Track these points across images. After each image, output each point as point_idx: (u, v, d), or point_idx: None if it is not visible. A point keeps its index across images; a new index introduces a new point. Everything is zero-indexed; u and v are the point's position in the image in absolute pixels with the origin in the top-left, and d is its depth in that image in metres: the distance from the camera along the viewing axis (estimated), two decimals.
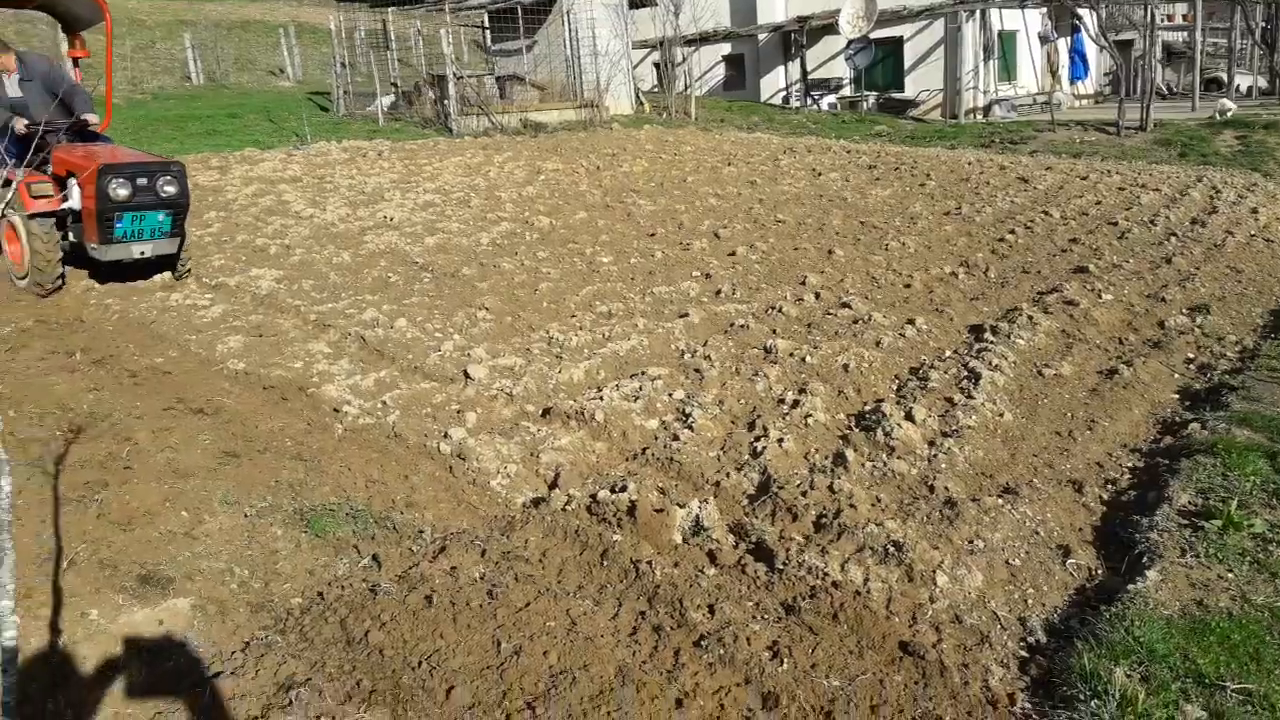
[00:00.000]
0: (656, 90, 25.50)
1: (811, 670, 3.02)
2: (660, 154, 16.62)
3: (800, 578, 3.49)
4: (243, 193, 11.70)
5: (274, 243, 9.12)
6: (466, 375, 5.78)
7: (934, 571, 3.55)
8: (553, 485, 4.52)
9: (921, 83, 23.45)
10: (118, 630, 3.11)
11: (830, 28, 23.96)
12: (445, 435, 4.90)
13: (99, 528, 3.65)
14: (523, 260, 8.94)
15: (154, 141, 14.99)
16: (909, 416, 5.08)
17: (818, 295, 7.65)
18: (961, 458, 4.64)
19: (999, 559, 3.69)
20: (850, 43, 23.84)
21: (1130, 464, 4.66)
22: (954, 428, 4.98)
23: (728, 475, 4.47)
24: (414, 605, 3.18)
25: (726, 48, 27.10)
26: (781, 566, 3.58)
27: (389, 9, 20.40)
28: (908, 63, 23.85)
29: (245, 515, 3.89)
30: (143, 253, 7.08)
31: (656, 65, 25.88)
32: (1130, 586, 3.41)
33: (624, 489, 4.22)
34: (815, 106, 24.36)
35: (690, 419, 5.10)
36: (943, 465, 4.57)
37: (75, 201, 6.85)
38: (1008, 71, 23.37)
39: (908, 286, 8.04)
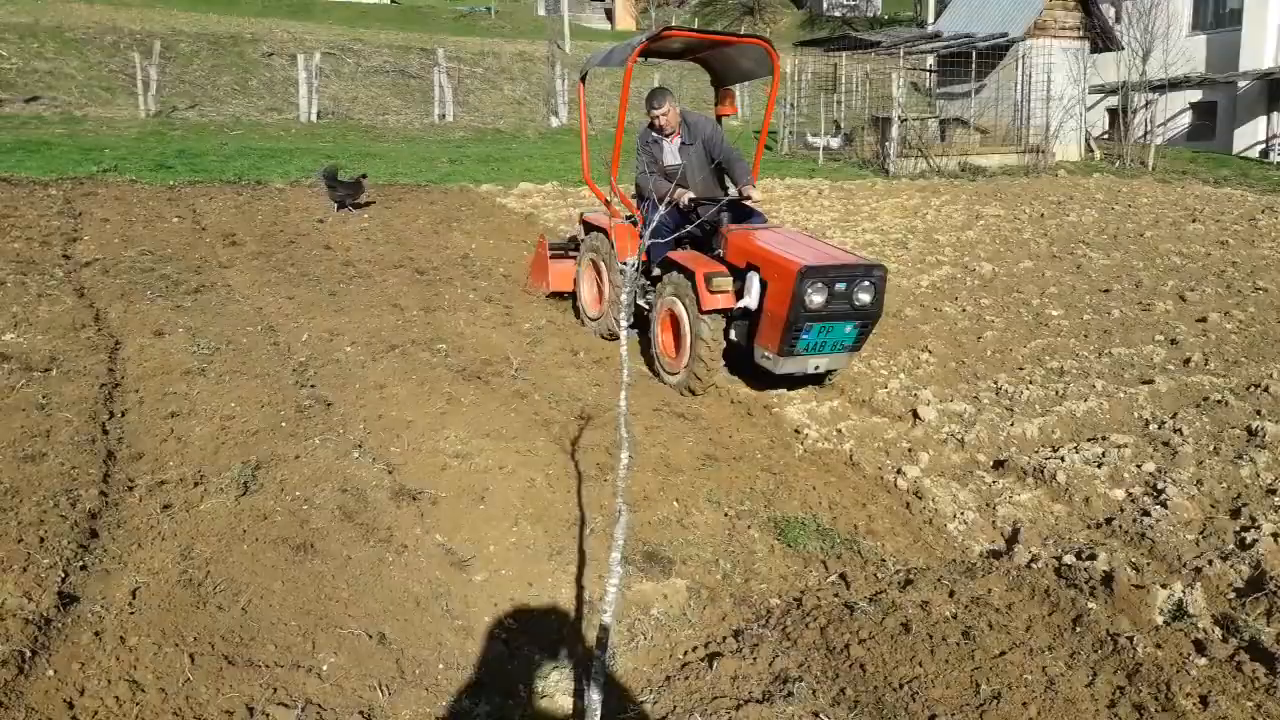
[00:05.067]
0: (1108, 137, 23.81)
1: None
2: (1112, 204, 15.52)
3: None
4: None
5: None
6: (916, 415, 5.87)
7: None
8: (1010, 540, 4.48)
9: None
10: (632, 597, 3.60)
11: None
12: (899, 471, 5.04)
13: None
14: (964, 306, 8.83)
15: (622, 172, 16.70)
16: None
17: None
18: None
19: None
20: None
21: None
22: None
23: (1210, 563, 4.15)
24: (891, 629, 3.35)
25: (1196, 94, 24.62)
26: None
27: (842, 54, 21.01)
28: None
29: (726, 514, 4.31)
30: (817, 367, 6.00)
31: (1111, 110, 24.14)
32: None
33: (1093, 557, 4.10)
34: None
35: (1163, 495, 4.79)
36: None
37: (753, 301, 5.81)
38: None
39: None
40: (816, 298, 5.52)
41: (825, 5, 56.24)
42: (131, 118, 19.49)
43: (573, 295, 7.87)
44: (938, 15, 30.53)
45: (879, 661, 3.19)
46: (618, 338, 6.67)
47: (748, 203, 6.51)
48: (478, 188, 14.29)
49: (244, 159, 15.06)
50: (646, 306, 6.75)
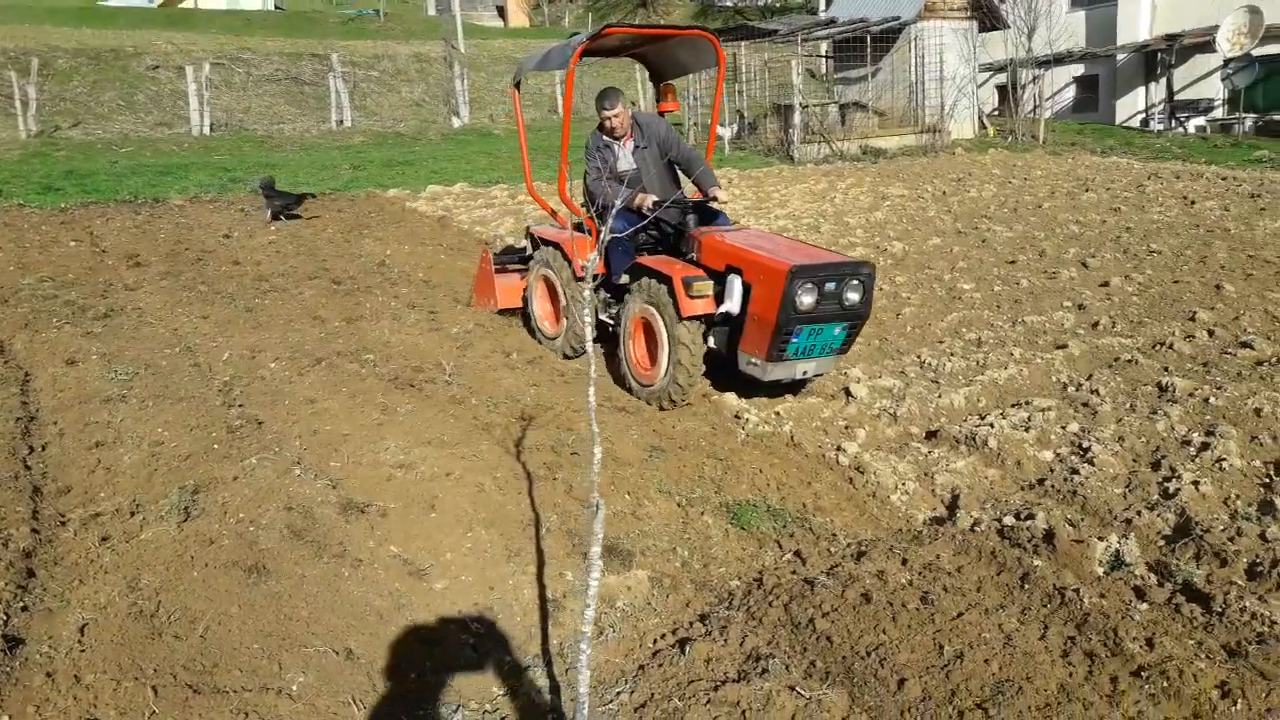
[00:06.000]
0: (999, 113, 24.62)
1: (1268, 714, 2.94)
2: (1009, 179, 16.08)
3: (1245, 623, 3.38)
4: None
5: None
6: (848, 393, 6.01)
7: None
8: (951, 506, 4.64)
9: None
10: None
11: (1204, 46, 21.97)
12: (839, 448, 5.16)
13: (566, 502, 4.24)
14: (880, 285, 9.04)
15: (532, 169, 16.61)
16: None
17: (1211, 333, 7.14)
18: None
19: None
20: (1228, 61, 21.72)
21: None
22: None
23: (1139, 514, 4.36)
24: (852, 600, 3.43)
25: (1079, 68, 25.60)
26: (1220, 610, 3.48)
27: (741, 43, 21.25)
28: None
29: (678, 503, 4.36)
30: (805, 373, 5.70)
31: (1000, 88, 24.97)
32: None
33: (1032, 516, 4.27)
34: (1181, 129, 22.42)
35: (1089, 453, 5.01)
36: None
37: (735, 305, 5.50)
38: None
39: None
40: (806, 299, 5.22)
41: None
42: (11, 139, 18.63)
43: (522, 312, 7.45)
44: (828, 1, 31.11)
45: (844, 632, 3.27)
46: (581, 354, 6.45)
47: (714, 204, 6.27)
48: (384, 193, 14.08)
49: (138, 177, 14.53)
50: (610, 321, 6.40)
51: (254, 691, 2.91)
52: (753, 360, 5.52)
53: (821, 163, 18.34)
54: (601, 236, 2.89)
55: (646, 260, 5.94)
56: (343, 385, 5.74)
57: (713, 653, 3.16)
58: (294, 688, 2.95)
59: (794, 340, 5.36)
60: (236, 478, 4.38)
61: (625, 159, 6.28)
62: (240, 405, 5.41)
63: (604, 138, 6.31)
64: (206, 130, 20.93)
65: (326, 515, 4.05)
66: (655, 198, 6.02)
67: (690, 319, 5.53)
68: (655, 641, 3.38)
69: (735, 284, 5.49)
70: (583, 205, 6.57)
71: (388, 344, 6.74)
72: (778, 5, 52.02)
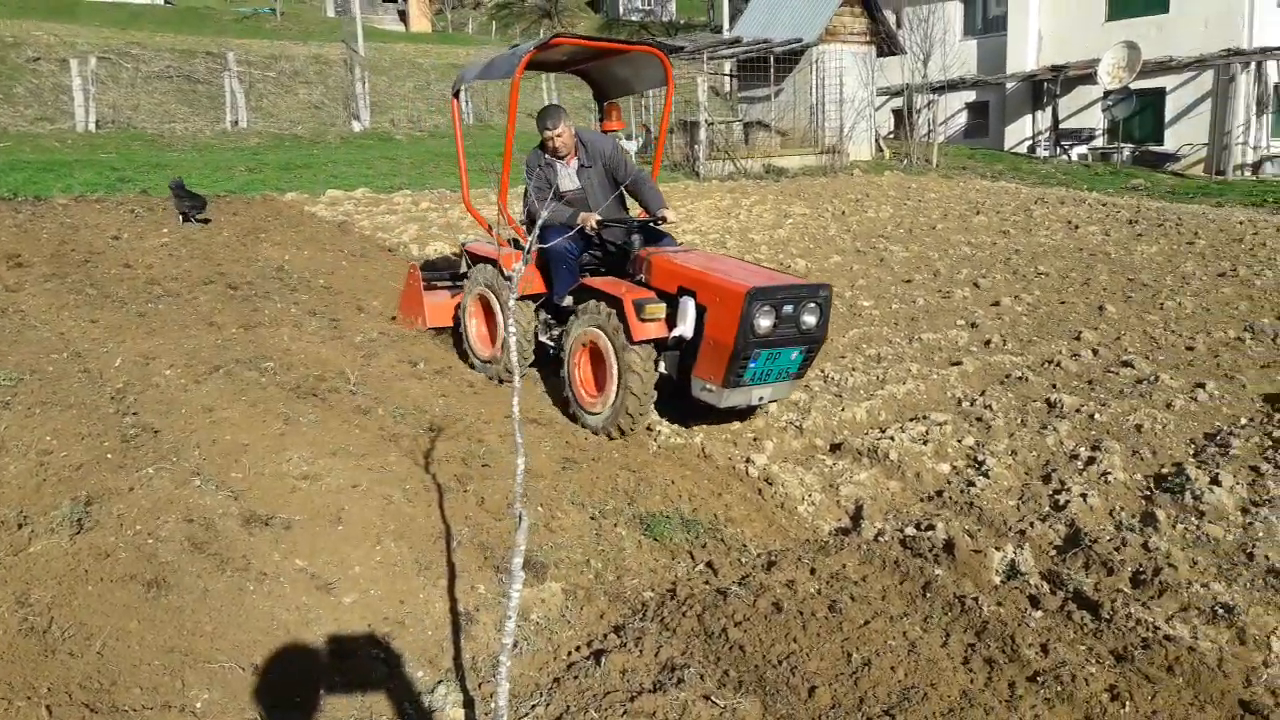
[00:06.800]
0: (894, 137, 25.43)
1: (1153, 716, 3.10)
2: (904, 200, 16.61)
3: (1130, 629, 3.56)
4: None
5: None
6: None
7: (1268, 637, 3.54)
8: (855, 517, 4.76)
9: (1184, 136, 22.24)
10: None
11: (1086, 77, 23.16)
12: (748, 460, 5.25)
13: (478, 514, 4.20)
14: None
15: (434, 176, 16.45)
16: (1215, 481, 4.98)
17: (1095, 352, 7.52)
18: None
19: None
20: (1108, 93, 22.93)
21: None
22: (1266, 497, 4.85)
23: (1032, 524, 4.56)
24: (764, 610, 3.50)
25: (970, 95, 26.68)
26: (1109, 616, 3.66)
27: None
28: (1169, 115, 22.73)
29: (591, 515, 4.37)
30: (761, 399, 5.51)
31: (896, 112, 25.81)
32: None
33: (932, 527, 4.42)
34: (1065, 157, 23.54)
35: (984, 466, 5.21)
36: (1260, 534, 4.47)
37: (688, 329, 5.29)
38: None
39: (1190, 349, 7.75)
40: (764, 322, 5.03)
41: (622, 10, 57.19)
42: None
43: (454, 333, 7.15)
44: (732, 20, 31.69)
45: (756, 641, 3.33)
46: (522, 376, 5.97)
47: (662, 226, 6.11)
48: (282, 196, 13.71)
49: (18, 173, 13.82)
50: (551, 343, 6.20)
51: (155, 710, 2.80)
52: (708, 386, 5.29)
53: (726, 179, 18.64)
54: (529, 241, 2.90)
55: (593, 281, 5.73)
56: (242, 394, 5.57)
57: (628, 664, 3.18)
58: (197, 705, 2.85)
59: (751, 365, 5.18)
60: (133, 488, 4.20)
61: (569, 178, 6.11)
62: (134, 413, 5.19)
63: (545, 156, 6.13)
64: (92, 127, 20.06)
65: (229, 528, 3.93)
66: (598, 217, 5.86)
67: (642, 343, 5.32)
68: (570, 653, 3.38)
69: (689, 306, 5.28)
70: (522, 223, 6.37)
71: (288, 351, 6.56)
72: (682, 23, 52.76)
